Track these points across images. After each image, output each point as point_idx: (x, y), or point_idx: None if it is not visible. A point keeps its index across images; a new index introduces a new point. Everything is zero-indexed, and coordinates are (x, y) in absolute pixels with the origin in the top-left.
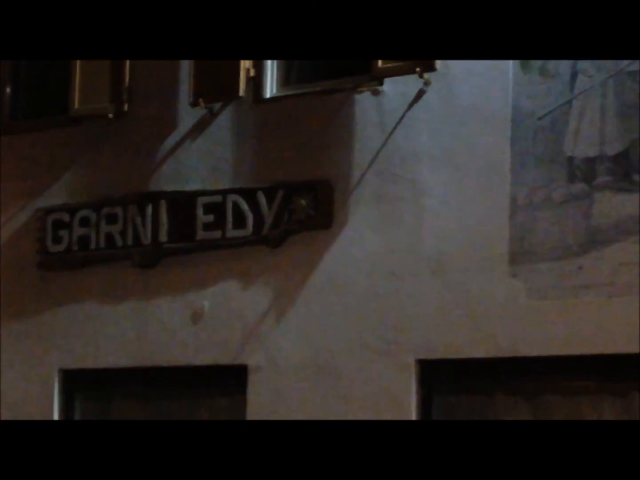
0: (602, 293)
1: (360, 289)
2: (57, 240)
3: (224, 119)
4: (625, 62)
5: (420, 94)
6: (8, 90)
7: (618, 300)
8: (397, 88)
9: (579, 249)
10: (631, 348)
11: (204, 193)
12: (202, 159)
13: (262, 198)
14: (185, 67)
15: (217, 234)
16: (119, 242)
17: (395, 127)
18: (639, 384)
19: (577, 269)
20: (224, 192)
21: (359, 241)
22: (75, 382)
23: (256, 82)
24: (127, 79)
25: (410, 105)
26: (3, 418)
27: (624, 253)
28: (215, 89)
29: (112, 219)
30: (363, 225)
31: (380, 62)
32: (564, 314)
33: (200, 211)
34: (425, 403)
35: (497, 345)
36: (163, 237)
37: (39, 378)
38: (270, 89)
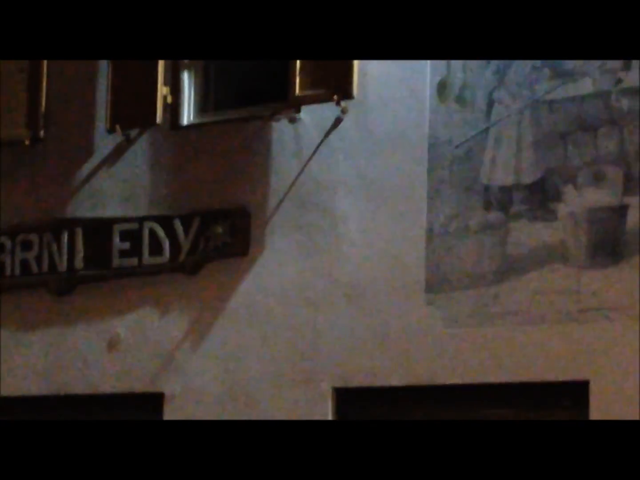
0: (518, 321)
1: (276, 317)
2: None
3: (141, 146)
4: (541, 91)
5: (337, 121)
6: None
7: (533, 329)
8: (314, 116)
9: (494, 277)
10: (547, 376)
11: (120, 220)
12: (118, 185)
13: (178, 225)
14: (102, 92)
15: (133, 261)
16: (35, 268)
17: (312, 155)
18: (555, 412)
19: (492, 297)
20: (141, 219)
21: (275, 269)
22: None
23: (173, 109)
24: (43, 105)
25: (327, 133)
26: None
27: (539, 281)
28: (132, 116)
29: (27, 246)
30: (280, 253)
31: (297, 90)
32: (480, 342)
33: (116, 238)
34: None
35: (414, 373)
36: (79, 264)
37: None
38: (187, 115)
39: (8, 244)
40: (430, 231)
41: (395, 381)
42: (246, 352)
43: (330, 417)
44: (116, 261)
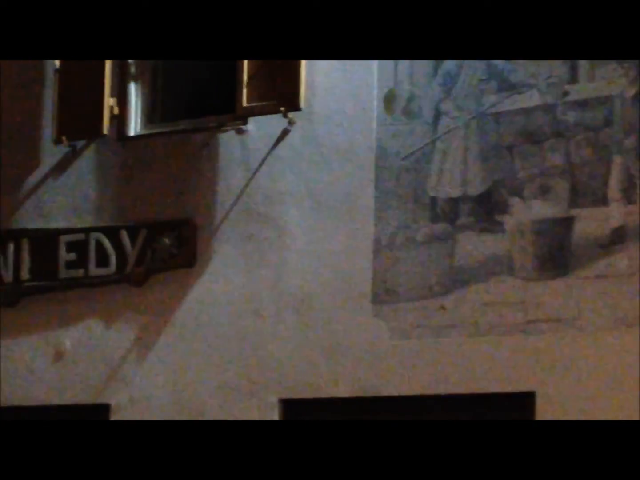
0: (465, 333)
1: (223, 328)
2: None
3: (88, 157)
4: (488, 103)
5: (284, 133)
6: None
7: (480, 340)
8: (261, 127)
9: (441, 289)
10: (493, 387)
11: (66, 231)
12: (65, 196)
13: (125, 237)
14: (49, 103)
15: (79, 272)
16: None
17: (259, 166)
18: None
19: (440, 308)
20: (87, 230)
21: (222, 280)
22: None
23: (120, 120)
24: None
25: (275, 144)
26: None
27: (486, 293)
28: (79, 126)
29: None
30: (226, 264)
31: (244, 101)
32: (427, 353)
33: (62, 249)
34: None
35: (360, 384)
36: (25, 275)
37: None
38: (134, 126)
39: None
40: (377, 243)
41: (342, 392)
42: (193, 364)
43: None
44: (63, 272)
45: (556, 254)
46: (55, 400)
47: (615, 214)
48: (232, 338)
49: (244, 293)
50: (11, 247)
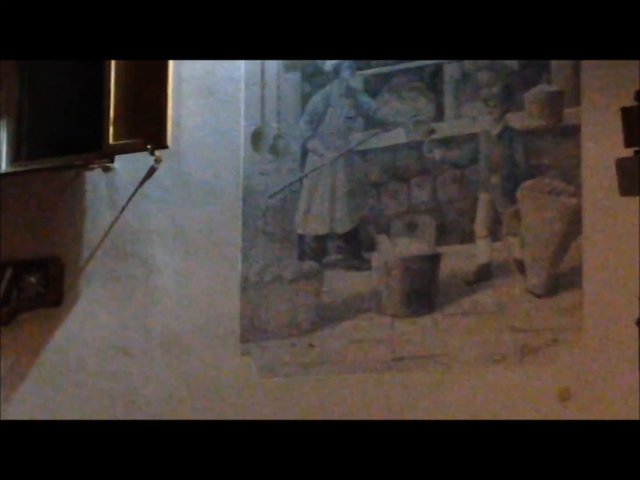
0: (333, 370)
1: (91, 367)
2: None
3: None
4: (355, 141)
5: (151, 171)
6: None
7: (349, 377)
8: (128, 165)
9: (310, 326)
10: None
11: None
12: None
13: None
14: None
15: None
16: None
17: (126, 204)
18: None
19: (308, 346)
20: None
21: (90, 319)
22: None
23: None
24: None
25: (142, 182)
26: None
27: (354, 330)
28: None
29: None
30: (94, 303)
31: (111, 139)
32: (296, 391)
33: None
34: None
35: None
36: None
37: None
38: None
39: None
40: (244, 280)
41: None
42: (60, 403)
43: None
44: None
45: (423, 290)
46: None
47: (481, 250)
48: (100, 376)
49: (112, 332)
50: None
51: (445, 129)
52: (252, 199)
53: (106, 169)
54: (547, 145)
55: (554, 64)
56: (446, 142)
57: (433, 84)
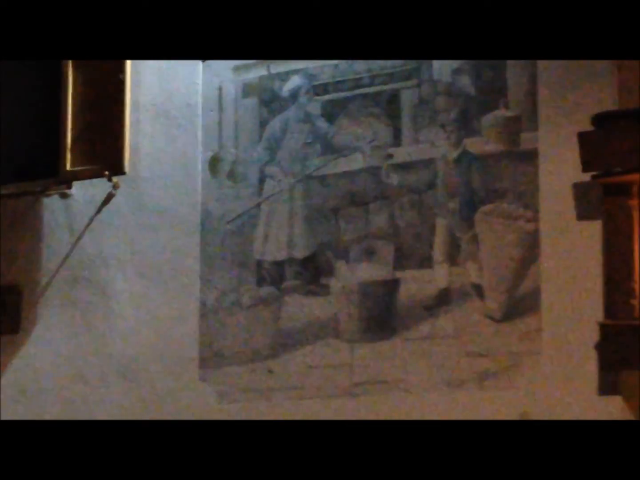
0: (292, 396)
1: (49, 394)
2: None
3: None
4: (313, 166)
5: (109, 197)
6: None
7: (308, 403)
8: (86, 191)
9: (268, 352)
10: None
11: None
12: None
13: None
14: None
15: None
16: None
17: (84, 231)
18: None
19: (266, 372)
20: None
21: (47, 346)
22: None
23: None
24: None
25: (99, 209)
26: None
27: (313, 356)
28: None
29: None
30: (52, 330)
31: (68, 165)
32: (255, 417)
33: None
34: None
35: None
36: None
37: None
38: None
39: None
40: (203, 306)
41: None
42: None
43: None
44: None
45: (382, 316)
46: None
47: (439, 275)
48: (58, 404)
49: (69, 358)
50: None
51: (402, 154)
52: (210, 225)
53: (64, 196)
54: (505, 170)
55: (511, 89)
56: (404, 167)
57: (390, 109)
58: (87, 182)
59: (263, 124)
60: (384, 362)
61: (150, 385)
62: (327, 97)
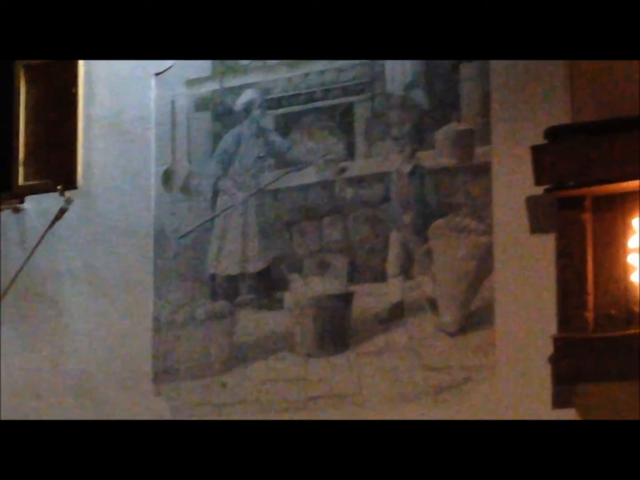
0: (246, 410)
1: (2, 410)
2: None
3: None
4: (266, 180)
5: (61, 211)
6: None
7: (262, 417)
8: (39, 206)
9: (222, 366)
10: None
11: None
12: None
13: None
14: None
15: None
16: None
17: (36, 245)
18: None
19: (221, 386)
20: None
21: (1, 361)
22: None
23: None
24: None
25: (52, 223)
26: None
27: (267, 370)
28: None
29: None
30: (4, 344)
31: (20, 180)
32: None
33: None
34: None
35: None
36: None
37: None
38: None
39: None
40: (157, 321)
41: None
42: None
43: None
44: None
45: (336, 329)
46: None
47: (393, 289)
48: (11, 419)
49: (23, 374)
50: None
51: (356, 167)
52: (163, 239)
53: (16, 210)
54: (458, 183)
55: (464, 102)
56: (357, 181)
57: (344, 123)
58: (39, 196)
59: (216, 138)
60: (339, 376)
61: (103, 400)
62: (280, 111)
